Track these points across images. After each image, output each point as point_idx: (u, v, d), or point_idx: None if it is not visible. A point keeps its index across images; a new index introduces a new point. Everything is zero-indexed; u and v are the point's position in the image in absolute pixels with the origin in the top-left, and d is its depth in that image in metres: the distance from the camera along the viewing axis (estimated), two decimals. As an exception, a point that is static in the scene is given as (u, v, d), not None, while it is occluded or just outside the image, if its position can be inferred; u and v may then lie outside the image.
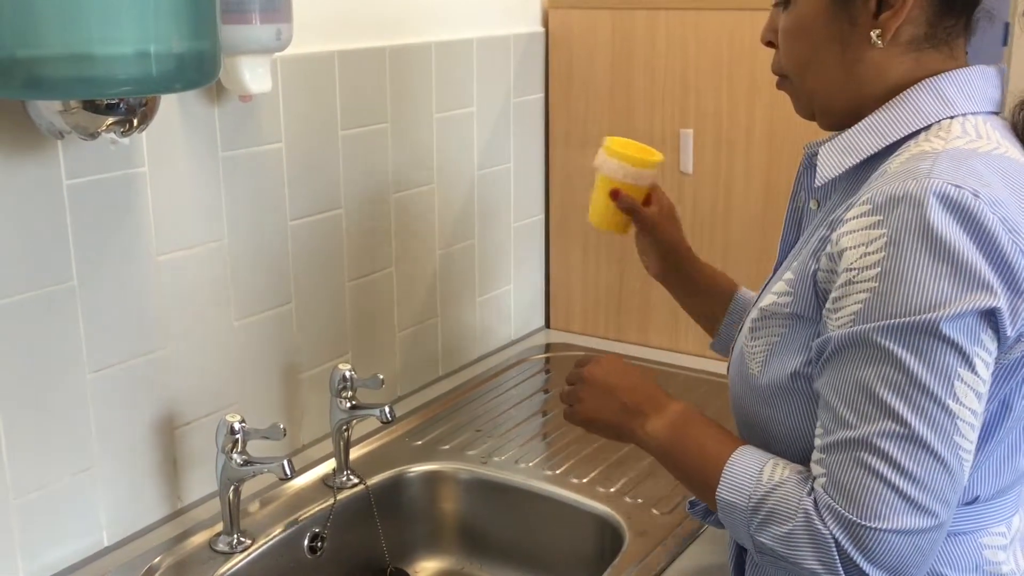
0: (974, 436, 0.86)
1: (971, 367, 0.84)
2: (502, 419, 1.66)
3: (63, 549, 1.26)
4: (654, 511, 1.38)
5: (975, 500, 0.95)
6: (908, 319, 0.83)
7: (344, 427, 1.43)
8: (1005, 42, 1.64)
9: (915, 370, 0.83)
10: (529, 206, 1.99)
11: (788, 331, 0.96)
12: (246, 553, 1.29)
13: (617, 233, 1.32)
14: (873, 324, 0.85)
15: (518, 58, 1.88)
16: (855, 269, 0.86)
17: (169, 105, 1.27)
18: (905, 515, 0.83)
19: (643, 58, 1.85)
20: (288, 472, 1.23)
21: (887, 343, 0.84)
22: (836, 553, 0.85)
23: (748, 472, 0.93)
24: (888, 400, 0.84)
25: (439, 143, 1.73)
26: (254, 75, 1.29)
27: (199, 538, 1.31)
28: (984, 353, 0.85)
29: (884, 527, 0.83)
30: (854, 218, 0.87)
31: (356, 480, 1.45)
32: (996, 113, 0.97)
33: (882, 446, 0.84)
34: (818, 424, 0.90)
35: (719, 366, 1.87)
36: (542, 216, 2.03)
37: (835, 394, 0.88)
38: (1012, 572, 0.97)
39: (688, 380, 1.82)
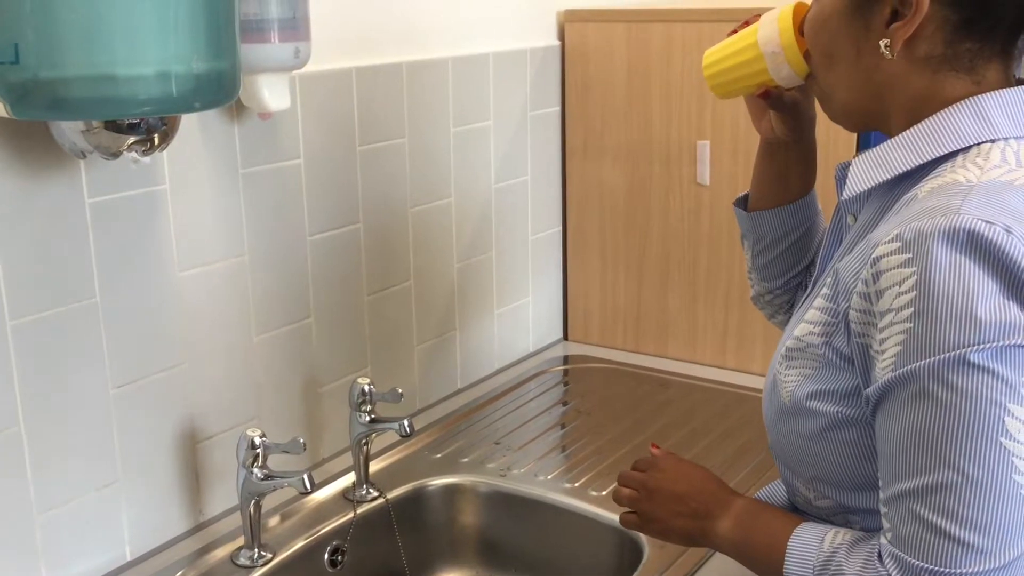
0: None
1: (1020, 400, 0.81)
2: (521, 432, 1.67)
3: (86, 563, 1.27)
4: (673, 524, 1.38)
5: None
6: (943, 356, 0.81)
7: (363, 441, 1.44)
8: None
9: (960, 409, 0.81)
10: (546, 218, 2.00)
11: (821, 366, 0.95)
12: (267, 567, 1.30)
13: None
14: (912, 365, 0.83)
15: (534, 72, 1.89)
16: (893, 311, 0.84)
17: (190, 124, 1.29)
18: (965, 559, 0.81)
19: (659, 70, 1.85)
20: (308, 486, 1.24)
21: (928, 384, 0.82)
22: None
23: (810, 544, 0.93)
24: (936, 447, 0.82)
25: (456, 157, 1.74)
26: (273, 93, 1.30)
27: (221, 552, 1.32)
28: None
29: (945, 571, 0.82)
30: (884, 256, 0.85)
31: (376, 494, 1.46)
32: None
33: (936, 497, 0.82)
34: (879, 474, 0.89)
35: (738, 377, 1.87)
36: (559, 228, 2.03)
37: (887, 444, 0.87)
38: None
39: (706, 392, 1.82)
